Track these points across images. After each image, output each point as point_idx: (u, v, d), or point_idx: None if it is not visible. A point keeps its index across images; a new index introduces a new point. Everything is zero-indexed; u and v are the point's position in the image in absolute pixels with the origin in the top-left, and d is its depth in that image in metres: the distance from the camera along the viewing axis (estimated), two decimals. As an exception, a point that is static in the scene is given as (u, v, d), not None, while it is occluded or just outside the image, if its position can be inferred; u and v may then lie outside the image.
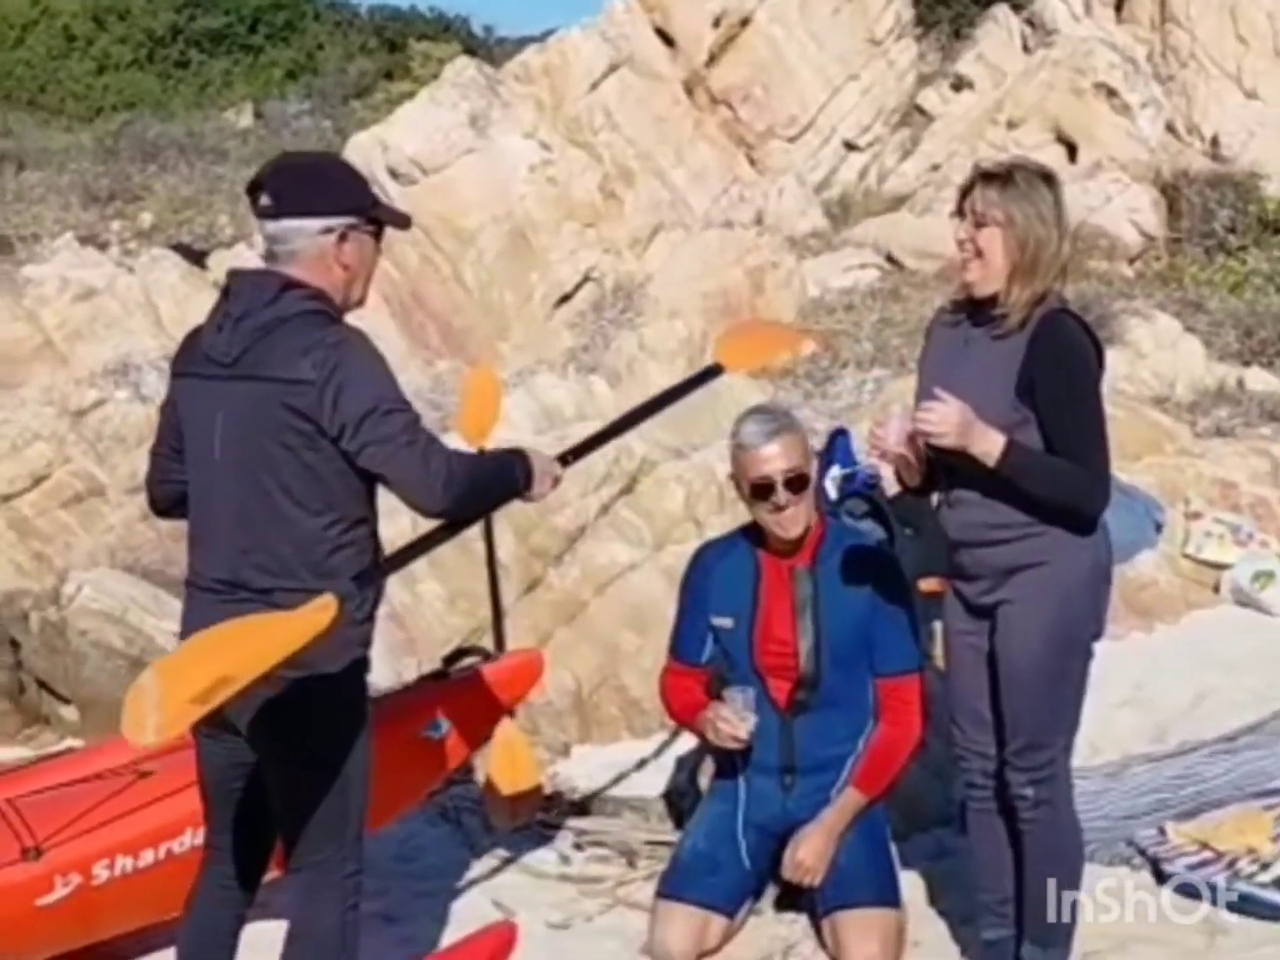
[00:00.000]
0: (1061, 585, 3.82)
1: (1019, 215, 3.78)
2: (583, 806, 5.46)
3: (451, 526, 3.65)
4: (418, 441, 3.36)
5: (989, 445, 3.73)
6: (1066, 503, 3.79)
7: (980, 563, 3.88)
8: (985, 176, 3.86)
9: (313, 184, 3.53)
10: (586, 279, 10.64)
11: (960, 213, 3.88)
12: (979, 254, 3.82)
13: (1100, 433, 3.82)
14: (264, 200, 3.50)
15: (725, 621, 4.46)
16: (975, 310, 3.91)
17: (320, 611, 3.30)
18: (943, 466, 3.88)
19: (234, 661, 3.21)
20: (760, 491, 4.33)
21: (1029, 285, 3.79)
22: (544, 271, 10.58)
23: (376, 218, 3.58)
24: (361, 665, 3.58)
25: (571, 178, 10.90)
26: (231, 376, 3.45)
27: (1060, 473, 3.77)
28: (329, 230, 3.47)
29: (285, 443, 3.39)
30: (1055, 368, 3.77)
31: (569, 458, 3.87)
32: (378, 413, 3.34)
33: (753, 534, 4.47)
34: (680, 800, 5.28)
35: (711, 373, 4.50)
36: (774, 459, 4.31)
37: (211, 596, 3.51)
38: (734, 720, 4.33)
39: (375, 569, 3.52)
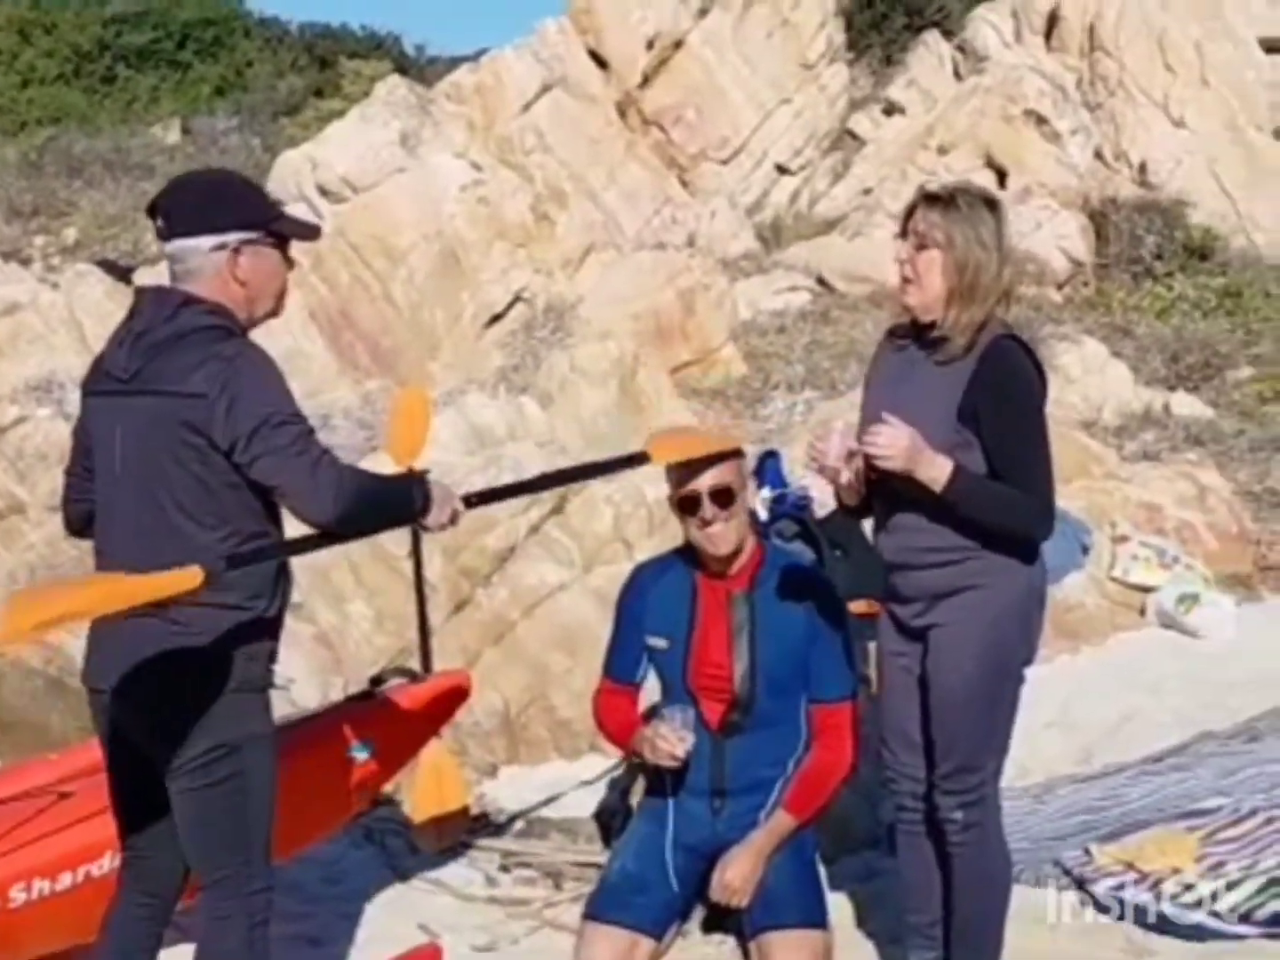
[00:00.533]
0: (994, 609, 3.82)
1: (959, 238, 3.78)
2: (509, 828, 5.43)
3: (334, 536, 3.59)
4: (308, 453, 3.37)
5: (936, 471, 3.72)
6: (1013, 529, 3.78)
7: (914, 585, 3.88)
8: (928, 199, 3.85)
9: (203, 202, 3.54)
10: (517, 299, 10.61)
11: (903, 234, 3.88)
12: (916, 278, 3.82)
13: (1045, 459, 3.82)
14: (159, 221, 3.53)
15: (660, 642, 4.44)
16: (920, 335, 3.91)
17: (185, 578, 3.30)
18: (881, 489, 3.88)
19: (85, 600, 3.25)
20: (687, 506, 4.32)
21: (967, 309, 3.79)
22: (475, 291, 10.54)
23: (277, 231, 3.57)
24: (262, 684, 3.56)
25: (503, 198, 10.87)
26: (129, 392, 3.47)
27: (1006, 499, 3.76)
28: (222, 246, 3.49)
29: (178, 457, 3.41)
30: (1000, 394, 3.77)
31: (474, 500, 3.84)
32: (268, 425, 3.35)
33: (688, 555, 4.46)
34: (610, 820, 5.25)
35: (636, 459, 4.43)
36: (701, 475, 4.31)
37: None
38: (672, 739, 4.31)
39: (250, 553, 3.46)
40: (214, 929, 3.55)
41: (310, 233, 3.70)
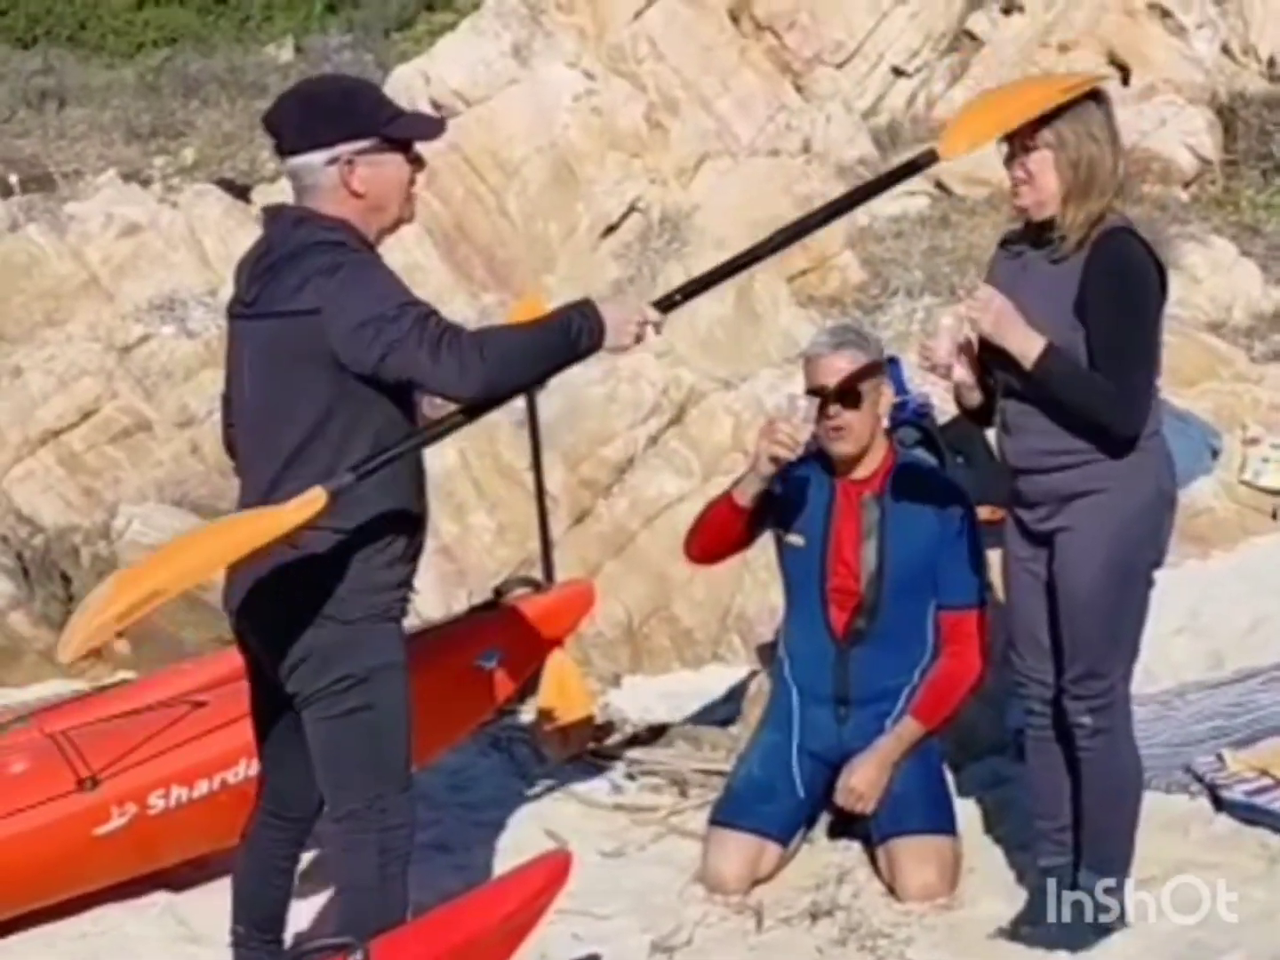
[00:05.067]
0: (1120, 512, 3.77)
1: (1069, 134, 3.72)
2: (634, 736, 5.46)
3: (495, 401, 3.39)
4: (426, 338, 3.22)
5: (1027, 345, 3.70)
6: (1095, 417, 3.72)
7: (1039, 489, 3.84)
8: None
9: (308, 116, 3.41)
10: (632, 209, 10.54)
11: (1007, 138, 3.81)
12: (1030, 179, 3.76)
13: (1143, 354, 3.75)
14: (274, 140, 3.47)
15: (797, 539, 4.42)
16: (1035, 237, 3.86)
17: (306, 506, 3.22)
18: (1002, 390, 3.83)
19: (195, 560, 3.24)
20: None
21: (1084, 205, 3.74)
22: (589, 202, 10.49)
23: (391, 135, 3.40)
24: (394, 613, 3.45)
25: (616, 107, 10.79)
26: (252, 315, 3.42)
27: (1092, 384, 3.71)
28: (333, 160, 3.36)
29: (299, 378, 3.33)
30: (1108, 281, 3.72)
31: (679, 295, 3.53)
32: (381, 324, 3.23)
33: (825, 458, 4.43)
34: (732, 729, 5.27)
35: (922, 161, 3.76)
36: (831, 371, 4.28)
37: None
38: (788, 428, 4.16)
39: (374, 457, 3.30)
40: (344, 865, 3.47)
41: (430, 130, 3.52)
